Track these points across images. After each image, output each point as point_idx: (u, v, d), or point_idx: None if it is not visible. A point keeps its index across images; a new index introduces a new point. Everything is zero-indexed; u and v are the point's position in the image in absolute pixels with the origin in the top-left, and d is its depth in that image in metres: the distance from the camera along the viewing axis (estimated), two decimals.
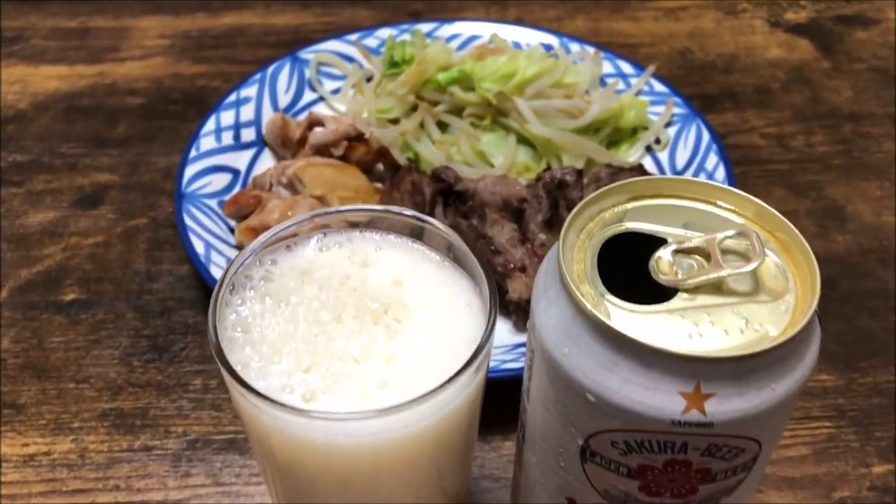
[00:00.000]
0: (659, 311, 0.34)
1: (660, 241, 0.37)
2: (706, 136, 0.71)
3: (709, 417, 0.33)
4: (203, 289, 0.65)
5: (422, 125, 0.72)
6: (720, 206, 0.38)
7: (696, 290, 0.35)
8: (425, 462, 0.39)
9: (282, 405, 0.33)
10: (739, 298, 0.35)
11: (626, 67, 0.79)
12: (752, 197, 0.38)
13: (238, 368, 0.35)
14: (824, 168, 0.77)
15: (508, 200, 0.64)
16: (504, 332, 0.60)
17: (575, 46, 0.80)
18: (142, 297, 0.65)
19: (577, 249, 0.37)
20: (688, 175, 0.70)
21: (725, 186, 0.38)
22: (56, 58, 0.89)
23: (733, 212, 0.38)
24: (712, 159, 0.69)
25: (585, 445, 0.36)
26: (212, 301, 0.37)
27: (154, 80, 0.86)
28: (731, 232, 0.36)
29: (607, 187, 0.38)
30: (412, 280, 0.40)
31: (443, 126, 0.73)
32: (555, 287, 0.36)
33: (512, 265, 0.58)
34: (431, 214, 0.63)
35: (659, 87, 0.77)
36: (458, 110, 0.73)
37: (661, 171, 0.71)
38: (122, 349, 0.61)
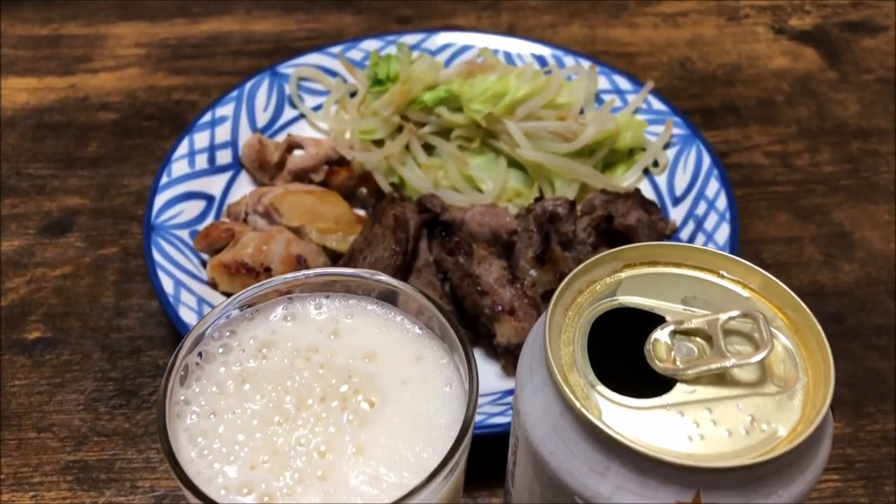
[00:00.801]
0: (655, 406, 0.31)
1: (657, 319, 0.33)
2: (707, 160, 0.67)
3: None
4: (174, 326, 0.61)
5: (407, 147, 0.68)
6: (723, 276, 0.35)
7: (696, 380, 0.31)
8: None
9: None
10: (744, 390, 0.31)
11: (623, 83, 0.75)
12: (757, 268, 0.34)
13: (192, 469, 0.32)
14: (830, 190, 0.73)
15: (498, 233, 0.60)
16: (492, 376, 0.57)
17: (569, 60, 0.76)
18: (110, 334, 0.61)
19: (565, 329, 0.33)
20: (688, 201, 0.66)
21: (728, 255, 0.35)
22: (25, 69, 0.85)
23: (738, 283, 0.35)
24: (713, 185, 0.65)
25: None
26: (160, 391, 0.33)
27: (128, 94, 0.82)
28: (735, 313, 0.32)
29: (598, 256, 0.35)
30: (386, 355, 0.36)
31: (429, 149, 0.69)
32: (541, 373, 0.32)
33: (500, 307, 0.55)
34: (415, 249, 0.59)
35: (657, 104, 0.73)
36: (445, 132, 0.69)
37: (660, 196, 0.68)
38: (87, 393, 0.58)
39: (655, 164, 0.70)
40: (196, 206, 0.65)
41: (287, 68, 0.76)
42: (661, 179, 0.69)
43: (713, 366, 0.31)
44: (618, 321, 0.34)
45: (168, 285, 0.57)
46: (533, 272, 0.58)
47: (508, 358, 0.56)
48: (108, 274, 0.66)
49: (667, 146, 0.70)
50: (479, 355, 0.58)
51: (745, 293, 0.34)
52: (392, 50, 0.77)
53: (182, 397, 0.34)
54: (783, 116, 0.80)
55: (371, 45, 0.77)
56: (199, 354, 0.36)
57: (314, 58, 0.77)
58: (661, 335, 0.32)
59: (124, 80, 0.84)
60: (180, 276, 0.59)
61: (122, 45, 0.88)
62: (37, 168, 0.74)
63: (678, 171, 0.68)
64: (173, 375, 0.34)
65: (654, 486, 0.29)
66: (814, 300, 0.64)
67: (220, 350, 0.36)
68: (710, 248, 0.36)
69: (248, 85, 0.74)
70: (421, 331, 0.38)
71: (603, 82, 0.75)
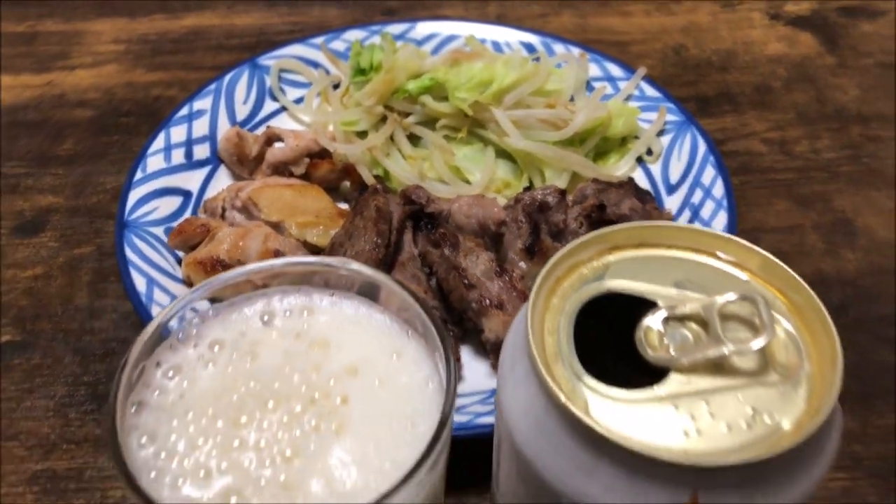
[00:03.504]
0: (647, 398, 0.28)
1: (648, 305, 0.31)
2: (702, 146, 0.65)
3: None
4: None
5: (391, 138, 0.66)
6: (719, 258, 0.32)
7: (691, 369, 0.29)
8: None
9: None
10: (744, 380, 0.29)
11: (615, 70, 0.72)
12: (756, 248, 0.32)
13: (150, 474, 0.29)
14: (831, 176, 0.71)
15: (485, 224, 0.58)
16: (481, 374, 0.54)
17: (559, 47, 0.74)
18: (82, 337, 0.59)
19: (549, 317, 0.31)
20: (683, 189, 0.64)
21: (724, 234, 0.32)
22: (1, 66, 0.82)
23: (735, 265, 0.32)
24: (709, 172, 0.63)
25: None
26: (112, 391, 0.31)
27: (105, 91, 0.80)
28: (732, 296, 0.30)
29: (584, 238, 0.32)
30: (363, 351, 0.34)
31: (414, 139, 0.66)
32: (523, 364, 0.30)
33: (488, 301, 0.52)
34: (398, 242, 0.57)
35: (651, 91, 0.70)
36: (430, 122, 0.66)
37: (654, 185, 0.65)
38: (57, 399, 0.55)
39: (649, 152, 0.67)
40: (172, 203, 0.63)
41: (268, 60, 0.73)
42: (656, 168, 0.66)
43: (710, 353, 0.28)
44: (606, 307, 0.31)
45: (141, 284, 0.55)
46: (522, 264, 0.56)
47: (497, 354, 0.53)
48: (82, 274, 0.63)
49: (661, 133, 0.68)
50: (466, 353, 0.55)
51: (742, 275, 0.32)
52: (376, 40, 0.74)
53: (139, 399, 0.32)
54: (780, 102, 0.78)
55: (354, 35, 0.75)
56: (159, 350, 0.33)
57: (296, 49, 0.75)
58: (652, 321, 0.30)
59: (102, 77, 0.81)
60: (154, 274, 0.56)
61: (99, 42, 0.86)
62: (10, 167, 0.72)
63: (673, 158, 0.66)
64: (126, 373, 0.31)
65: (646, 486, 0.27)
66: (817, 290, 0.61)
67: (182, 353, 0.34)
68: (704, 228, 0.33)
69: (227, 77, 0.71)
70: (400, 326, 0.35)
71: (594, 70, 0.72)
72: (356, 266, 0.35)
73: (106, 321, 0.60)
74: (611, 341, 0.30)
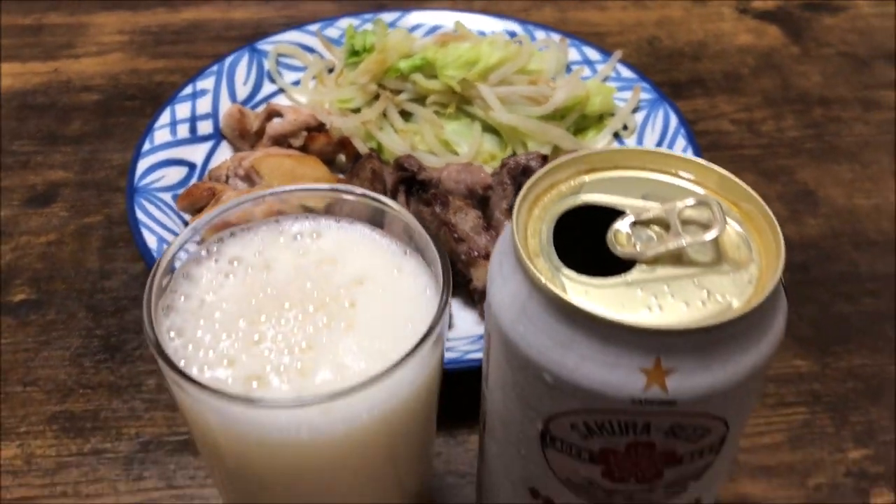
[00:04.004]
0: (616, 283, 0.32)
1: (617, 213, 0.35)
2: (674, 121, 0.70)
3: (671, 394, 0.31)
4: None
5: (384, 114, 0.70)
6: (681, 177, 0.37)
7: (655, 261, 0.33)
8: (381, 454, 0.37)
9: (224, 394, 0.31)
10: (700, 269, 0.33)
11: (593, 54, 0.77)
12: (714, 166, 0.36)
13: (180, 363, 0.33)
14: (794, 152, 0.76)
15: (473, 188, 0.62)
16: (469, 322, 0.58)
17: (540, 34, 0.79)
18: (94, 296, 0.62)
19: (531, 224, 0.35)
20: None
21: (686, 156, 0.37)
22: (8, 55, 0.86)
23: (695, 182, 0.37)
24: (681, 143, 0.68)
25: (545, 430, 0.34)
26: (147, 286, 0.35)
27: (110, 77, 0.84)
28: (691, 201, 0.34)
29: (562, 159, 0.36)
30: (368, 266, 0.38)
31: (406, 115, 0.71)
32: (510, 263, 0.34)
33: (476, 253, 0.56)
34: None
35: (626, 72, 0.75)
36: (420, 98, 0.71)
37: None
38: (72, 350, 0.59)
39: (625, 127, 0.72)
40: (178, 172, 0.67)
41: (266, 45, 0.78)
42: (631, 141, 0.71)
43: (670, 245, 0.33)
44: (581, 216, 0.35)
45: (152, 241, 0.59)
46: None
47: (483, 302, 0.57)
48: (93, 241, 0.67)
49: (635, 110, 0.72)
50: (456, 305, 0.59)
51: (701, 190, 0.36)
52: (368, 27, 0.79)
53: (166, 297, 0.36)
54: (748, 87, 0.83)
55: (348, 22, 0.80)
56: (188, 262, 0.37)
57: (293, 35, 0.79)
58: (621, 225, 0.34)
59: (107, 65, 0.86)
60: (163, 233, 0.60)
61: (103, 33, 0.90)
62: (20, 145, 0.76)
63: (647, 132, 0.71)
64: (156, 281, 0.35)
65: (616, 353, 0.31)
66: None
67: (205, 260, 0.38)
68: (669, 150, 0.37)
69: (228, 60, 0.76)
70: (399, 246, 0.39)
71: (573, 54, 0.77)
72: (360, 191, 0.39)
73: (116, 282, 0.64)
74: (585, 242, 0.35)
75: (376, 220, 0.40)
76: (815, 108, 0.81)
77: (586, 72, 0.76)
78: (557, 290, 0.31)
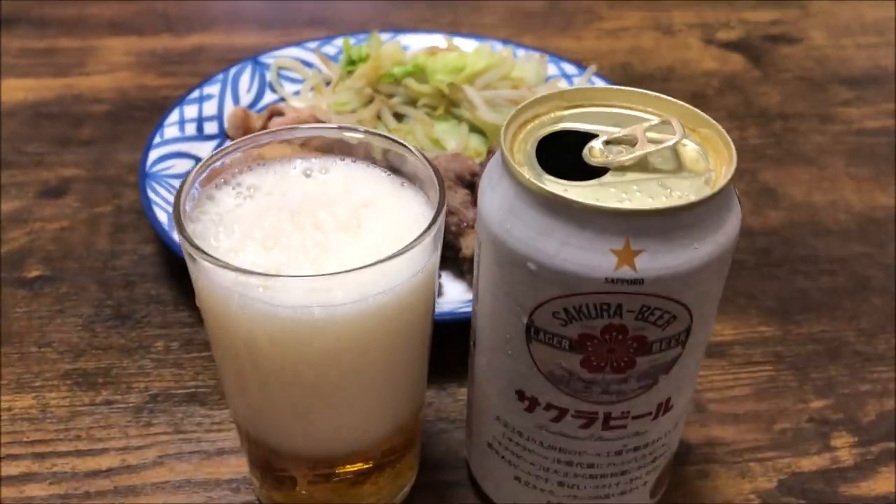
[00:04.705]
0: (591, 184, 0.37)
1: (592, 137, 0.40)
2: None
3: (639, 273, 0.36)
4: (166, 264, 0.67)
5: (378, 117, 0.76)
6: (649, 112, 0.42)
7: (624, 168, 0.38)
8: (383, 343, 0.40)
9: (244, 269, 0.35)
10: (664, 174, 0.38)
11: (570, 69, 0.84)
12: (679, 101, 0.42)
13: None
14: (757, 157, 0.82)
15: (461, 174, 0.67)
16: (458, 292, 0.63)
17: (521, 52, 0.85)
18: (105, 273, 0.66)
19: (516, 144, 0.40)
20: None
21: (655, 94, 0.42)
22: (23, 73, 0.92)
23: (660, 114, 0.42)
24: None
25: (530, 323, 0.39)
26: (176, 195, 0.39)
27: (119, 91, 0.89)
28: (655, 121, 0.40)
29: (543, 94, 0.42)
30: (372, 193, 0.43)
31: (399, 116, 0.77)
32: (497, 173, 0.39)
33: (465, 223, 0.61)
34: None
35: (600, 83, 0.82)
36: (412, 101, 0.77)
37: None
38: (85, 317, 0.62)
39: None
40: (186, 164, 0.71)
41: (267, 59, 0.84)
42: None
43: (637, 152, 0.38)
44: (560, 139, 0.40)
45: (162, 217, 0.63)
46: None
47: (472, 271, 0.62)
48: (103, 227, 0.71)
49: None
50: (446, 277, 0.64)
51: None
52: (364, 44, 0.85)
53: (190, 216, 0.40)
54: (713, 104, 0.90)
55: (344, 40, 0.86)
56: (205, 188, 0.42)
57: (292, 51, 0.86)
58: (595, 143, 0.39)
59: (116, 81, 0.91)
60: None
61: (113, 55, 0.96)
62: (35, 146, 0.80)
63: None
64: (182, 199, 0.40)
65: (591, 237, 0.36)
66: (745, 238, 0.72)
67: (224, 185, 0.42)
68: (642, 90, 0.43)
69: (233, 71, 0.81)
70: (399, 177, 0.44)
71: (552, 69, 0.84)
72: (364, 129, 0.44)
73: (126, 261, 0.68)
74: (563, 160, 0.40)
75: (378, 155, 0.45)
76: (775, 121, 0.87)
77: (564, 83, 0.82)
78: (541, 184, 0.36)
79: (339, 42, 0.86)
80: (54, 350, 0.60)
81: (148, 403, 0.56)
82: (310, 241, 0.40)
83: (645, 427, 0.42)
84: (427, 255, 0.39)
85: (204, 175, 0.42)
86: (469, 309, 0.57)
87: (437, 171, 0.41)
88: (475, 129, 0.75)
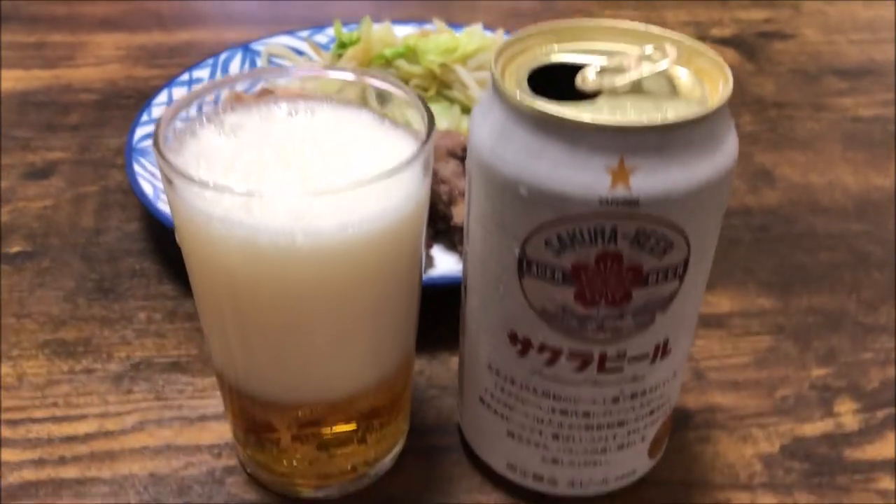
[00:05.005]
0: (585, 105, 0.36)
1: (584, 66, 0.39)
2: None
3: (634, 193, 0.34)
4: (152, 240, 0.65)
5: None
6: (645, 46, 0.41)
7: (618, 92, 0.37)
8: (369, 278, 0.39)
9: (223, 187, 0.34)
10: (658, 97, 0.37)
11: None
12: (672, 32, 0.41)
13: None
14: (752, 141, 0.81)
15: (453, 150, 0.66)
16: (451, 263, 0.61)
17: None
18: (89, 248, 0.65)
19: (507, 73, 0.39)
20: None
21: (646, 27, 0.41)
22: (11, 65, 0.91)
23: (658, 49, 0.41)
24: None
25: (522, 255, 0.37)
26: (156, 126, 0.38)
27: (108, 82, 0.88)
28: (650, 48, 0.39)
29: (533, 28, 0.41)
30: (362, 138, 0.42)
31: None
32: (488, 100, 0.38)
33: (457, 192, 0.60)
34: None
35: None
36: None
37: None
38: (67, 290, 0.61)
39: None
40: None
41: (258, 46, 0.83)
42: None
43: (631, 75, 0.37)
44: (551, 70, 0.39)
45: (148, 189, 0.62)
46: None
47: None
48: (88, 206, 0.70)
49: None
50: (438, 249, 0.62)
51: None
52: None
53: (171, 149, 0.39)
54: None
55: (336, 27, 0.85)
56: (186, 124, 0.41)
57: (283, 40, 0.85)
58: (588, 71, 0.38)
59: (105, 73, 0.90)
60: (157, 184, 0.63)
61: (102, 49, 0.95)
62: (21, 132, 0.79)
63: None
64: (161, 131, 0.38)
65: (584, 156, 0.34)
66: (742, 216, 0.70)
67: (207, 123, 0.41)
68: (636, 23, 0.42)
69: (223, 56, 0.81)
70: (389, 118, 0.43)
71: None
72: (351, 68, 0.43)
73: (110, 237, 0.66)
74: (555, 89, 0.38)
75: (367, 97, 0.44)
76: (769, 109, 0.87)
77: None
78: (530, 102, 0.35)
79: (330, 31, 0.86)
80: (33, 321, 0.58)
81: (129, 372, 0.54)
82: (294, 174, 0.38)
83: (642, 371, 0.41)
84: (416, 183, 0.38)
85: (187, 110, 0.41)
86: (457, 274, 0.55)
87: (423, 101, 0.40)
88: (467, 110, 0.75)
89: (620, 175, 0.34)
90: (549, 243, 0.36)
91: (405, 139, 0.42)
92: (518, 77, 0.38)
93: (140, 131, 0.69)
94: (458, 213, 0.60)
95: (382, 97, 0.44)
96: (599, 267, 0.36)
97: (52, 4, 1.05)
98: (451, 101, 0.75)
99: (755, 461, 0.49)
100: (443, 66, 0.74)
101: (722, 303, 0.61)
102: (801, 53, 0.99)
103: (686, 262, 0.38)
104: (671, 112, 0.36)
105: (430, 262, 0.61)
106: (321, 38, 0.86)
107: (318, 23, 0.98)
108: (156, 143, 0.37)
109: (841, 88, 0.91)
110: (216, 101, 0.42)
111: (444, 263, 0.61)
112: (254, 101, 0.44)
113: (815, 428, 0.51)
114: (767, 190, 0.74)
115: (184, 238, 0.39)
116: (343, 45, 0.79)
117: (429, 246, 0.62)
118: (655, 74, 0.38)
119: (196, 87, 0.41)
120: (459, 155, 0.66)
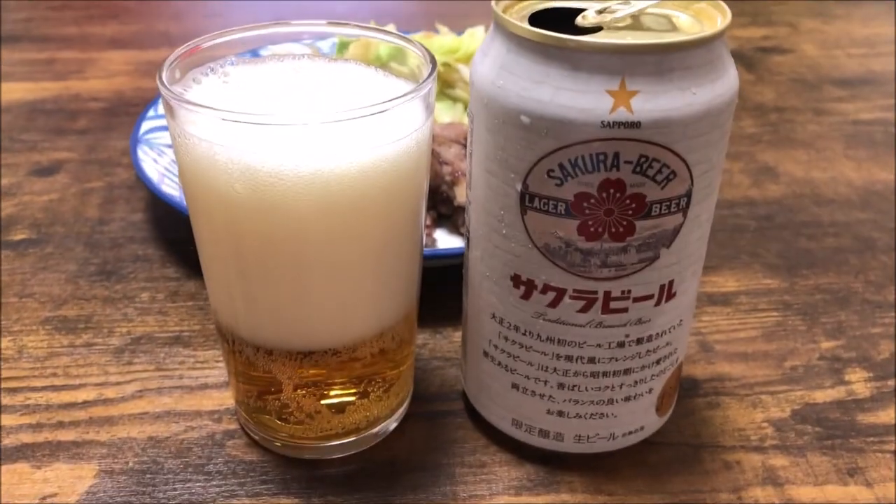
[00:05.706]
0: (586, 38, 0.36)
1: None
2: None
3: (635, 115, 0.34)
4: (155, 229, 0.65)
5: None
6: None
7: (617, 27, 0.37)
8: (373, 213, 0.39)
9: (226, 110, 0.34)
10: (659, 33, 0.37)
11: None
12: None
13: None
14: (754, 142, 0.81)
15: (457, 140, 0.66)
16: (452, 244, 0.61)
17: None
18: (92, 236, 0.65)
19: (509, 14, 0.39)
20: None
21: None
22: (23, 78, 0.93)
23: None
24: None
25: (524, 189, 0.37)
26: (159, 70, 0.38)
27: (116, 92, 0.90)
28: None
29: None
30: (367, 92, 0.42)
31: None
32: (489, 39, 0.38)
33: (459, 173, 0.60)
34: None
35: None
36: None
37: None
38: (69, 273, 0.61)
39: None
40: None
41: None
42: None
43: (634, 6, 0.37)
44: (551, 14, 0.40)
45: (154, 174, 0.62)
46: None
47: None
48: (93, 199, 0.70)
49: None
50: (441, 232, 0.62)
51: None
52: None
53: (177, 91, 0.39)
54: None
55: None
56: (189, 72, 0.41)
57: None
58: (588, 12, 0.39)
59: (113, 84, 0.92)
60: (163, 171, 0.64)
61: (112, 64, 0.97)
62: (29, 135, 0.80)
63: None
64: (164, 75, 0.39)
65: (585, 79, 0.35)
66: (746, 207, 0.70)
67: (210, 74, 0.42)
68: None
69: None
70: (396, 75, 0.43)
71: None
72: (355, 24, 0.44)
73: (114, 227, 0.66)
74: (557, 26, 0.39)
75: (372, 55, 0.44)
76: (770, 113, 0.87)
77: None
78: (535, 30, 0.35)
79: (333, 39, 0.87)
80: (35, 300, 0.58)
81: (129, 345, 0.54)
82: (299, 108, 0.39)
83: (648, 314, 0.40)
84: (418, 118, 0.38)
85: (191, 57, 0.41)
86: (458, 249, 0.55)
87: (425, 48, 0.41)
88: None
89: (621, 98, 0.34)
90: (552, 174, 0.36)
91: (409, 86, 0.42)
92: (519, 17, 0.39)
93: (146, 125, 0.70)
94: (461, 194, 0.60)
95: (386, 56, 0.44)
96: (602, 196, 0.36)
97: (64, 26, 1.07)
98: (454, 99, 0.76)
99: (766, 425, 0.48)
100: (445, 65, 0.75)
101: (728, 283, 0.60)
102: (800, 65, 1.00)
103: (689, 195, 0.37)
104: (670, 39, 0.36)
105: (433, 244, 0.61)
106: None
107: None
108: (160, 78, 0.37)
109: (841, 96, 0.92)
110: (219, 51, 0.43)
111: (445, 245, 0.61)
112: (259, 58, 0.44)
113: (826, 395, 0.50)
114: (771, 184, 0.74)
115: (185, 175, 0.39)
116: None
117: (431, 229, 0.62)
118: (655, 14, 0.39)
119: (201, 39, 0.42)
120: (462, 143, 0.66)
